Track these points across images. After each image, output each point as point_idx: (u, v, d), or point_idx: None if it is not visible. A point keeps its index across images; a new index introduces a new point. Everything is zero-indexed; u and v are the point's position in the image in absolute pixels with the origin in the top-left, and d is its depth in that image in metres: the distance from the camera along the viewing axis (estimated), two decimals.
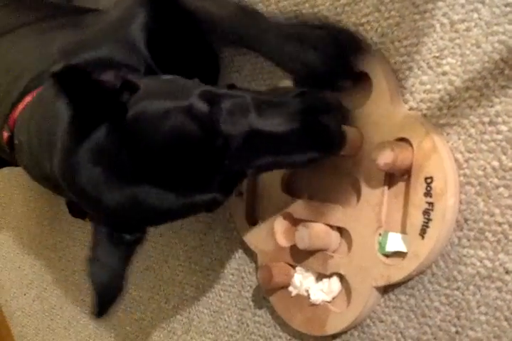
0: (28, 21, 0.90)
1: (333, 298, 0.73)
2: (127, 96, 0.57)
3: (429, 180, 0.63)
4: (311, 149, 0.60)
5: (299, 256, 0.76)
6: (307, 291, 0.75)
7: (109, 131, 0.56)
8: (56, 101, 0.62)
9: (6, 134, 0.72)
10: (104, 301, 0.61)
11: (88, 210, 0.63)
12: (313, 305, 0.75)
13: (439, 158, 0.62)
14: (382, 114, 0.67)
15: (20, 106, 0.71)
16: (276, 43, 0.69)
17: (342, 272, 0.71)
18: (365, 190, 0.69)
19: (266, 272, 0.77)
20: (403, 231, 0.66)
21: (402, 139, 0.65)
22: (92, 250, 0.62)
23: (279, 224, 0.80)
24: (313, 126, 0.59)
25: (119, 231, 0.62)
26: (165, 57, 0.72)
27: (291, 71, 0.70)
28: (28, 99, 0.71)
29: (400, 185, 0.67)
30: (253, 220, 0.83)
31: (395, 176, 0.67)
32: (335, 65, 0.67)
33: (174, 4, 0.73)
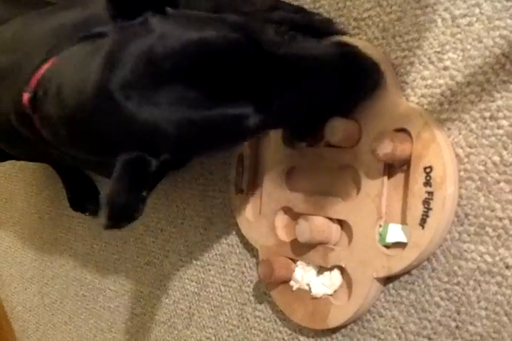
0: (23, 12, 0.90)
1: (335, 291, 0.73)
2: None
3: (428, 170, 0.63)
4: (345, 85, 0.59)
5: (300, 250, 0.76)
6: (308, 285, 0.75)
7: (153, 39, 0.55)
8: (88, 57, 0.60)
9: (26, 96, 0.69)
10: (118, 217, 0.57)
11: (115, 140, 0.58)
12: (314, 298, 0.75)
13: (438, 147, 0.62)
14: (381, 105, 0.67)
15: (45, 67, 0.68)
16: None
17: (343, 264, 0.71)
18: (364, 181, 0.69)
19: (267, 267, 0.77)
20: (403, 222, 0.66)
21: (402, 130, 0.65)
22: (113, 180, 0.56)
23: (280, 219, 0.80)
24: (351, 57, 0.59)
25: (145, 153, 0.57)
26: None
27: None
28: (50, 63, 0.69)
29: (400, 176, 0.67)
30: (254, 213, 0.83)
31: (394, 167, 0.67)
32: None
33: None
